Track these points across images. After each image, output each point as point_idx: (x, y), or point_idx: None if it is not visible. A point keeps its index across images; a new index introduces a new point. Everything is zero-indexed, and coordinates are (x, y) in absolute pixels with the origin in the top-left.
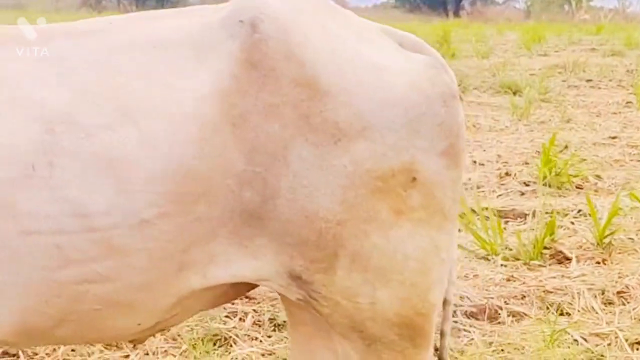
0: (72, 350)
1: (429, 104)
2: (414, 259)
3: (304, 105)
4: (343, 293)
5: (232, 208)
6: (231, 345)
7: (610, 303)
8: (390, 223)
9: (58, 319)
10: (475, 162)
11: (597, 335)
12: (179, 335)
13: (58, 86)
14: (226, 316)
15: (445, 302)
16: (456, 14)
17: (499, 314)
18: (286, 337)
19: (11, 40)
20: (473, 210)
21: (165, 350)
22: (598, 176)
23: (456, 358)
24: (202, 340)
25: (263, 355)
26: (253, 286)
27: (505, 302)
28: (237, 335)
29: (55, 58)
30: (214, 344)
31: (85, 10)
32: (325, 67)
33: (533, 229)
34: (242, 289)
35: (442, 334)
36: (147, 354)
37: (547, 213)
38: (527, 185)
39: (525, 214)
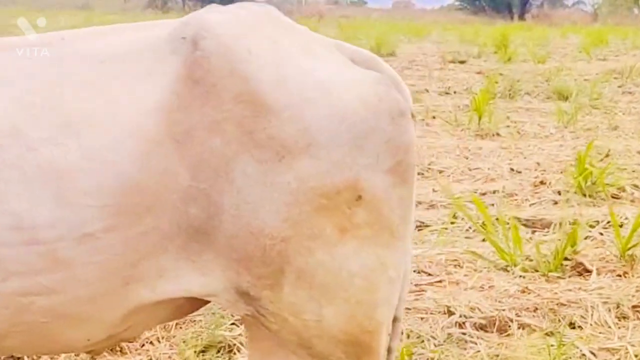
0: (76, 355)
1: (375, 120)
2: (359, 276)
3: (248, 121)
4: (290, 310)
5: (179, 223)
6: (235, 353)
7: (624, 317)
8: (335, 240)
9: (5, 330)
10: (512, 169)
11: (607, 350)
12: (183, 342)
13: (2, 100)
14: (232, 324)
15: (395, 319)
16: (521, 17)
17: (509, 326)
18: None
19: None
20: (497, 220)
21: (169, 357)
22: (636, 186)
23: None
24: (206, 347)
25: None
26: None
27: (516, 314)
28: (241, 343)
29: (1, 70)
30: (218, 351)
31: (151, 11)
32: (269, 83)
33: (558, 240)
34: (199, 303)
35: (389, 351)
36: (151, 359)
37: (572, 224)
38: (561, 194)
39: (553, 224)
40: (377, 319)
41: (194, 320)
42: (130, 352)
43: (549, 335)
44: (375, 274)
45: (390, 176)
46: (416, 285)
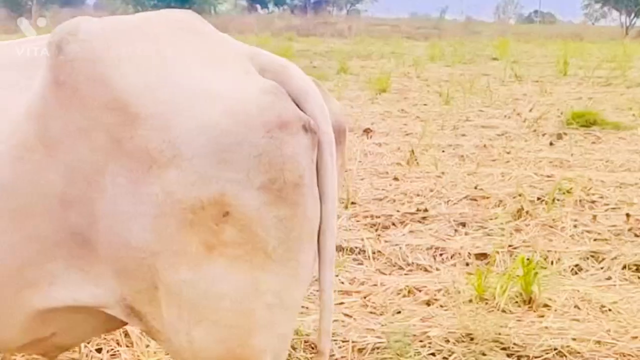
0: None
1: (245, 133)
2: (229, 298)
3: (116, 129)
4: (168, 328)
5: (62, 229)
6: None
7: None
8: (201, 258)
9: None
10: None
11: None
12: None
13: None
14: (431, 354)
15: (318, 352)
16: None
17: None
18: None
19: None
20: None
21: None
22: None
23: None
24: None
25: None
26: None
27: None
28: None
29: None
30: None
31: None
32: (137, 91)
33: None
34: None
35: None
36: None
37: None
38: None
39: None
40: (253, 346)
41: None
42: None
43: None
44: (248, 297)
45: (263, 194)
46: None
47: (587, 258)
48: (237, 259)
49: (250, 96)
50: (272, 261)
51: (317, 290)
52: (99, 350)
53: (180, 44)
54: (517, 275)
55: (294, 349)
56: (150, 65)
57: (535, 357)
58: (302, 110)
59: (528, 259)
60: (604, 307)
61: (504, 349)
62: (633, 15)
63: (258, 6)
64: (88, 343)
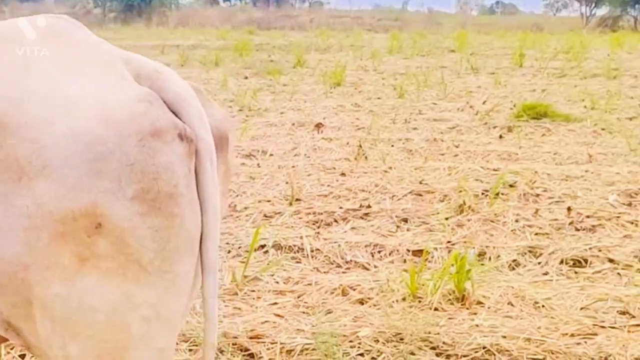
0: None
1: (117, 141)
2: (102, 312)
3: None
4: (44, 343)
5: None
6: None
7: None
8: (74, 271)
9: None
10: None
11: None
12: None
13: None
14: (360, 354)
15: None
16: None
17: None
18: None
19: None
20: None
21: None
22: None
23: None
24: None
25: None
26: None
27: None
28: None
29: None
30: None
31: None
32: (6, 100)
33: None
34: None
35: None
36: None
37: None
38: None
39: None
40: None
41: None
42: None
43: None
44: (121, 310)
45: (135, 204)
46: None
47: (525, 253)
48: (110, 272)
49: (123, 103)
50: (148, 273)
51: (252, 291)
52: (22, 357)
53: (50, 51)
54: (451, 273)
55: (222, 351)
56: (19, 73)
57: (464, 356)
58: (178, 117)
59: (462, 256)
60: (537, 303)
61: (433, 348)
62: (593, 5)
63: None
64: (11, 349)
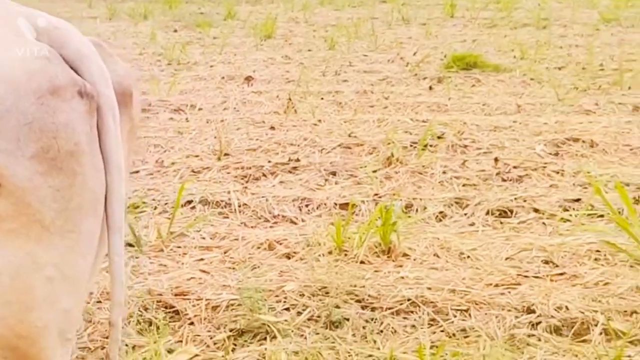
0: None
1: (15, 100)
2: (5, 274)
3: None
4: None
5: None
6: (270, 340)
7: None
8: None
9: None
10: None
11: None
12: (224, 325)
13: None
14: (285, 309)
15: (109, 324)
16: None
17: (591, 331)
18: (337, 336)
19: None
20: None
21: (202, 340)
22: None
23: None
24: (239, 332)
25: (296, 353)
26: None
27: (608, 318)
28: (279, 330)
29: None
30: (255, 336)
31: None
32: None
33: None
34: None
35: (106, 356)
36: (180, 340)
37: None
38: None
39: None
40: (32, 322)
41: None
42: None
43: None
44: (26, 272)
45: (35, 163)
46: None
47: (452, 204)
48: (12, 233)
49: (20, 61)
50: (50, 233)
51: (178, 247)
52: None
53: None
54: (377, 226)
55: (146, 309)
56: None
57: (389, 309)
58: (79, 74)
59: (388, 208)
60: (463, 254)
61: (358, 301)
62: None
63: None
64: None
